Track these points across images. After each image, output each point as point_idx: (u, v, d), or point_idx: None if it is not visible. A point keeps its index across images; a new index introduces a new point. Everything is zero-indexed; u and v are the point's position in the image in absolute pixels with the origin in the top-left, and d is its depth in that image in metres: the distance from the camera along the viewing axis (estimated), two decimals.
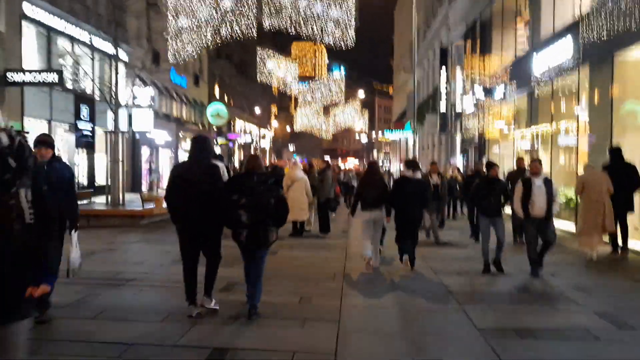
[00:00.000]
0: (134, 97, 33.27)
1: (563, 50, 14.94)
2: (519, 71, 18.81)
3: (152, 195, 18.70)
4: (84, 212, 15.67)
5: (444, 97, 32.17)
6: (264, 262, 6.45)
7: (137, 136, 33.77)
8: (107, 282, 8.08)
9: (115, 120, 18.36)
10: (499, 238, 9.10)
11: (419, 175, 9.84)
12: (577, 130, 14.93)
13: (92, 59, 24.08)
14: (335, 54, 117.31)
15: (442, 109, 31.97)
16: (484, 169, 10.85)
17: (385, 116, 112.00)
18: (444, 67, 32.22)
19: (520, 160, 13.59)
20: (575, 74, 14.78)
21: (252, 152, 9.84)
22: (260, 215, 5.98)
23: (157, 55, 37.01)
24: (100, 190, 22.34)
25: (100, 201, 19.14)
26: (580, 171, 12.96)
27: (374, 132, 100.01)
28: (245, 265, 6.43)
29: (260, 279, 6.41)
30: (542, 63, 16.47)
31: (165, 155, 40.06)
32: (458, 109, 29.93)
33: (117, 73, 18.77)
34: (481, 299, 7.59)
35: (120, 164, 18.25)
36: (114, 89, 18.68)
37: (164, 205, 6.76)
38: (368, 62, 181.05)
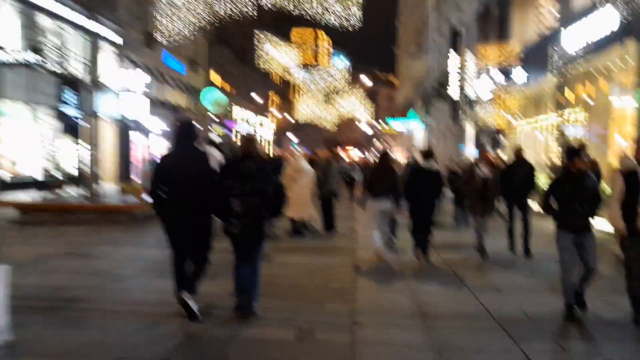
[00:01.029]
0: (126, 82, 31.63)
1: (600, 24, 13.03)
2: (542, 51, 16.91)
3: (134, 187, 16.85)
4: (56, 206, 13.97)
5: (455, 83, 30.20)
6: (259, 263, 5.86)
7: (129, 123, 31.91)
8: (39, 305, 6.18)
9: (91, 102, 16.46)
10: (588, 263, 6.05)
11: (434, 165, 9.37)
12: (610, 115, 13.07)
13: (78, 40, 22.16)
14: (337, 43, 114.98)
15: (454, 96, 30.01)
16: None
17: (390, 106, 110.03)
18: (454, 52, 30.22)
19: (518, 151, 11.37)
20: (615, 50, 12.88)
21: (247, 135, 8.65)
22: (255, 204, 5.48)
23: (151, 38, 35.09)
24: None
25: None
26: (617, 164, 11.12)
27: (376, 123, 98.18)
28: (236, 268, 5.73)
29: (256, 286, 5.82)
30: (573, 40, 14.56)
31: (160, 143, 38.18)
32: (470, 96, 28.01)
33: (95, 49, 16.83)
34: None
35: (108, 153, 16.34)
36: (96, 70, 16.73)
37: (147, 199, 6.25)
38: (370, 52, 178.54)
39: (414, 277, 8.04)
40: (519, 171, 9.66)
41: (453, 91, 30.39)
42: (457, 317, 6.12)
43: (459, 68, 30.05)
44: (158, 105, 36.79)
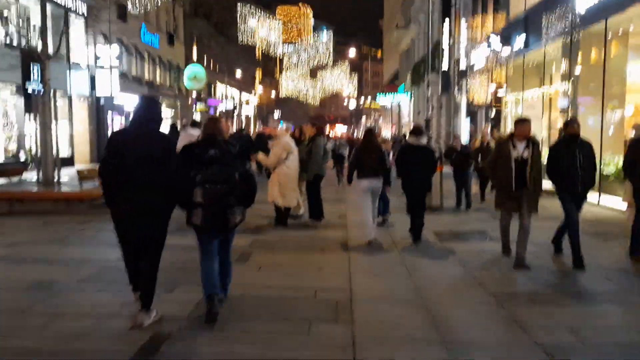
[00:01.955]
0: (97, 57, 29.69)
1: None
2: (548, 13, 15.35)
3: (93, 171, 15.15)
4: (5, 194, 12.27)
5: (446, 53, 28.58)
6: (229, 258, 5.44)
7: (102, 101, 30.04)
8: None
9: (44, 74, 14.65)
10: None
11: (424, 141, 9.20)
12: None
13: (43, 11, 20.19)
14: (322, 18, 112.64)
15: (444, 66, 28.39)
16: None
17: (375, 80, 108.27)
18: (447, 20, 28.56)
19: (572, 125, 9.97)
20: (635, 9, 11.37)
21: (212, 117, 7.46)
22: (221, 192, 4.97)
23: (124, 10, 33.04)
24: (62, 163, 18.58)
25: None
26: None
27: (362, 98, 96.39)
28: (204, 266, 5.14)
29: (227, 278, 5.47)
30: None
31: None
32: (462, 67, 26.47)
33: (44, 15, 14.97)
34: None
35: (81, 133, 14.53)
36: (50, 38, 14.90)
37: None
38: (355, 27, 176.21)
39: (416, 274, 6.56)
40: (576, 151, 7.10)
41: (444, 62, 28.80)
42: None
43: (451, 37, 28.44)
44: (134, 82, 34.95)
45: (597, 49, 13.64)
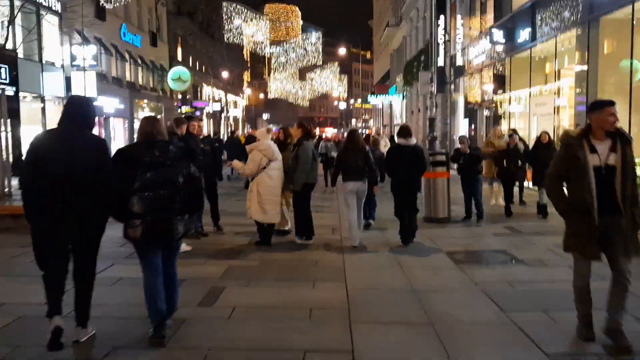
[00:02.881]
0: (73, 57, 28.02)
1: None
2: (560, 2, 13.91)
3: None
4: None
5: (441, 49, 27.09)
6: (174, 272, 4.91)
7: None
8: None
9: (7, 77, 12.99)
10: None
11: (413, 142, 8.87)
12: None
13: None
14: (310, 20, 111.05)
15: (440, 62, 26.90)
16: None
17: (365, 82, 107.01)
18: (441, 16, 27.06)
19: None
20: None
21: (149, 116, 6.25)
22: (162, 198, 4.49)
23: (102, 8, 31.38)
24: None
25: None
26: None
27: (352, 100, 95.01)
28: (146, 282, 4.61)
29: (174, 296, 4.86)
30: None
31: (117, 125, 34.65)
32: (460, 63, 25.01)
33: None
34: None
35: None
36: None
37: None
38: (344, 29, 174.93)
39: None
40: None
41: (440, 58, 27.32)
42: None
43: (445, 33, 26.95)
44: (114, 84, 33.30)
45: (619, 38, 12.16)
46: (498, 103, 19.23)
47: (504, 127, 19.00)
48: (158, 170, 4.54)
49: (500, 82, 19.18)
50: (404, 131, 8.92)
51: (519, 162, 11.18)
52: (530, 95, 16.47)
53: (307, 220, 8.78)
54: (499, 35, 17.89)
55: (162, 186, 4.54)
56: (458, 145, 11.21)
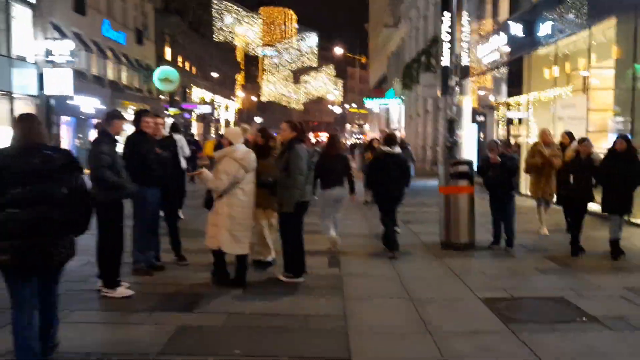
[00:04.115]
0: (48, 52, 25.83)
1: None
2: None
3: None
4: None
5: (446, 47, 25.06)
6: (55, 308, 4.14)
7: (52, 102, 26.09)
8: None
9: None
10: None
11: (397, 150, 8.62)
12: None
13: None
14: (307, 23, 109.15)
15: (445, 62, 24.86)
16: None
17: (361, 87, 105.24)
18: (446, 13, 25.07)
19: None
20: None
21: (26, 114, 4.95)
22: (39, 216, 3.73)
23: (82, 1, 29.23)
24: None
25: None
26: None
27: (347, 106, 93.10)
28: (16, 318, 3.87)
29: (51, 339, 4.10)
30: None
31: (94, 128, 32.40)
32: (467, 62, 22.93)
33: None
34: None
35: None
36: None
37: None
38: (339, 33, 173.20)
39: None
40: None
41: (445, 58, 25.28)
42: None
43: (449, 31, 24.94)
44: (94, 82, 31.12)
45: None
46: (514, 105, 17.16)
47: (519, 130, 16.98)
48: (34, 182, 3.75)
49: (516, 82, 17.10)
50: (390, 139, 8.72)
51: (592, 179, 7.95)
52: (554, 97, 14.40)
53: (297, 252, 6.64)
54: (517, 28, 15.81)
55: (38, 201, 3.75)
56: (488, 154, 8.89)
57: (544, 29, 14.62)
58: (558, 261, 7.65)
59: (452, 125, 9.54)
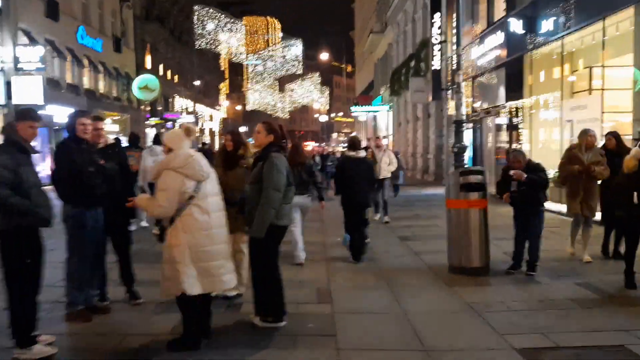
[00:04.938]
0: (16, 59, 24.35)
1: None
2: None
3: None
4: None
5: (436, 51, 23.89)
6: None
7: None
8: None
9: None
10: None
11: (362, 154, 8.74)
12: None
13: None
14: (291, 32, 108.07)
15: (436, 65, 23.66)
16: None
17: (347, 95, 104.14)
18: (437, 14, 23.92)
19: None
20: None
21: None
22: None
23: (55, 7, 27.76)
24: None
25: None
26: None
27: (333, 114, 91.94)
28: None
29: None
30: None
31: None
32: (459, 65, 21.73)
33: None
34: None
35: None
36: None
37: None
38: (324, 42, 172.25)
39: None
40: None
41: (436, 61, 24.08)
42: None
43: (441, 33, 23.77)
44: (69, 91, 29.60)
45: None
46: (513, 109, 15.92)
47: (520, 137, 15.72)
48: None
49: (515, 83, 15.85)
50: (353, 143, 8.78)
51: None
52: (562, 97, 13.16)
53: (273, 289, 5.25)
54: (517, 25, 14.59)
55: None
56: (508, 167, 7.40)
57: (548, 24, 13.42)
58: (600, 293, 6.29)
59: (459, 127, 8.18)
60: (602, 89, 11.76)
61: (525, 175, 6.93)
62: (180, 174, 4.50)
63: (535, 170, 7.11)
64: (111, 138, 6.49)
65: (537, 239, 7.10)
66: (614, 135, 8.16)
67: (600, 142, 8.50)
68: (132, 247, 6.03)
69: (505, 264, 7.45)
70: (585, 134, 7.65)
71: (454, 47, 9.37)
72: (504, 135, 16.67)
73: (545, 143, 14.53)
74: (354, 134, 61.99)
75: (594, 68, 12.24)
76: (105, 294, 5.69)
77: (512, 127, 15.93)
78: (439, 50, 23.85)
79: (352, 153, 8.58)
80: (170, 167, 4.52)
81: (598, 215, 8.44)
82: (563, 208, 10.69)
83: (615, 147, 7.97)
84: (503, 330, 5.02)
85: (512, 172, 7.09)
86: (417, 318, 5.45)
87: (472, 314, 5.57)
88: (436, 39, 23.99)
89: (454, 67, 8.84)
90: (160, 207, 4.49)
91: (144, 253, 7.76)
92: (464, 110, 8.82)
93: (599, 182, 7.71)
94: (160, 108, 46.32)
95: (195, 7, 47.32)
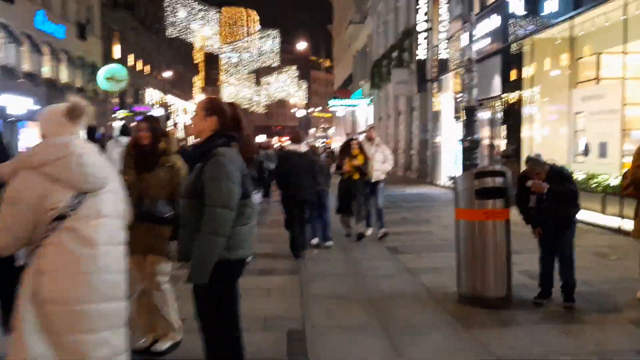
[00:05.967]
0: None
1: None
2: None
3: None
4: None
5: (422, 39, 22.27)
6: None
7: None
8: None
9: None
10: None
11: (303, 149, 8.38)
12: None
13: None
14: (268, 24, 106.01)
15: (421, 55, 22.05)
16: None
17: (325, 90, 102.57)
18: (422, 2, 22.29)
19: None
20: None
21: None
22: None
23: None
24: None
25: None
26: None
27: (312, 109, 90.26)
28: None
29: None
30: None
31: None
32: (444, 55, 20.19)
33: None
34: None
35: None
36: None
37: None
38: (302, 36, 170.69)
39: None
40: None
41: (421, 50, 22.46)
42: None
43: (425, 19, 22.18)
44: (26, 80, 27.44)
45: None
46: (511, 100, 14.32)
47: (501, 132, 14.12)
48: None
49: (514, 72, 14.25)
50: (296, 138, 8.57)
51: None
52: (570, 85, 11.58)
53: (228, 343, 3.47)
54: (517, 6, 12.99)
55: None
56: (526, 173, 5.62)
57: (552, 4, 11.83)
58: None
59: (471, 116, 6.46)
60: (623, 78, 10.16)
61: (547, 187, 5.26)
62: (44, 176, 2.67)
63: (561, 178, 5.41)
64: None
65: (571, 258, 5.44)
66: None
67: None
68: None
69: (526, 289, 5.82)
70: None
71: (449, 23, 7.82)
72: (501, 130, 15.04)
73: (549, 138, 12.94)
74: (332, 129, 60.20)
75: (613, 53, 10.65)
76: None
77: (509, 121, 14.31)
78: (424, 39, 22.30)
79: (293, 147, 8.36)
80: (29, 166, 2.69)
81: None
82: (622, 223, 9.15)
83: None
84: None
85: (529, 183, 5.41)
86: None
87: None
88: (421, 26, 22.39)
89: (466, 41, 7.11)
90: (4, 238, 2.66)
91: None
92: (475, 93, 7.08)
93: None
94: (130, 100, 44.17)
95: None
